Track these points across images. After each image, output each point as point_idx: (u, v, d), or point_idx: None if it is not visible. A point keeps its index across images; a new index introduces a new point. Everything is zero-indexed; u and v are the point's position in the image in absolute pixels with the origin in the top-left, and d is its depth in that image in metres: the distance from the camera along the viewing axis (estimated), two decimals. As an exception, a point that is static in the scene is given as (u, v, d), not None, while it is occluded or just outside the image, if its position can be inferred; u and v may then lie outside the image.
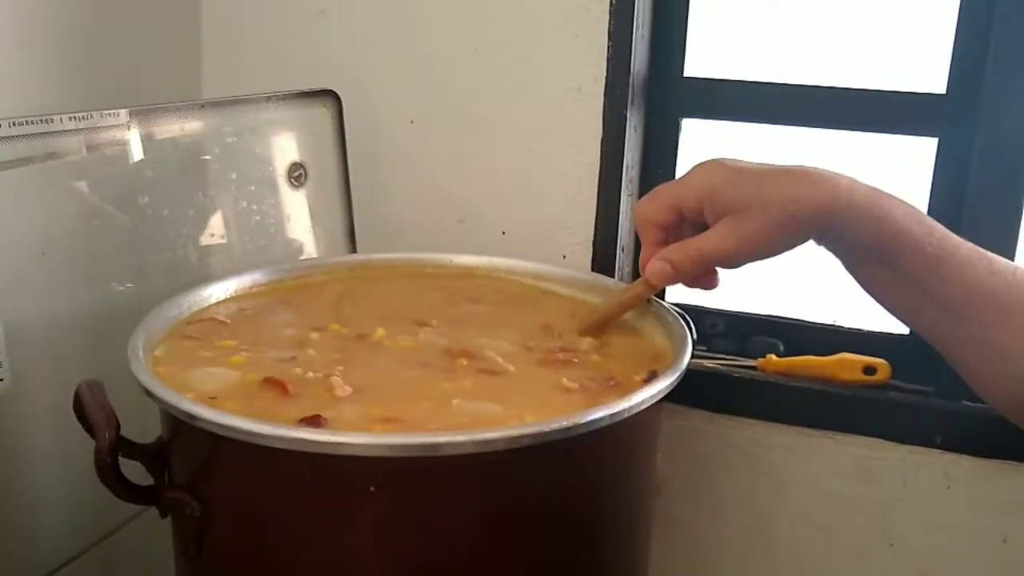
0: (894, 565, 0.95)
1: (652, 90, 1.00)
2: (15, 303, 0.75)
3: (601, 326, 0.79)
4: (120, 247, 0.82)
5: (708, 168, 0.68)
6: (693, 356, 0.97)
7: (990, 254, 0.65)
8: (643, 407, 0.62)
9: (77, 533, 0.87)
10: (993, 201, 0.90)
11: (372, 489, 0.57)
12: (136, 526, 0.90)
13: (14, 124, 0.70)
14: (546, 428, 0.57)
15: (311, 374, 0.68)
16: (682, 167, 1.04)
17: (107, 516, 0.88)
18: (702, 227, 0.69)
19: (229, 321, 0.78)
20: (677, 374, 0.67)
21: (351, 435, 0.56)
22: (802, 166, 0.66)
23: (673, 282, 0.72)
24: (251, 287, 0.84)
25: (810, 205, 0.64)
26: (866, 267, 0.67)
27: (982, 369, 0.67)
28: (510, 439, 0.57)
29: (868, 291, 0.69)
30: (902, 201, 0.65)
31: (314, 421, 0.60)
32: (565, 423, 0.58)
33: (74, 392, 0.65)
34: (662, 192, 0.70)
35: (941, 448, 0.91)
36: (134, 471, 0.65)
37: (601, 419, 0.59)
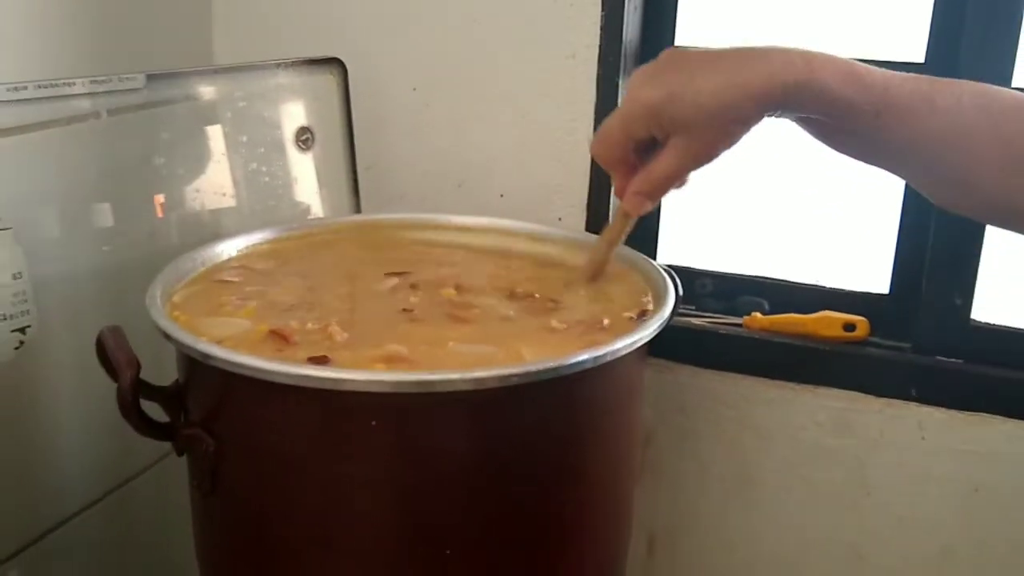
0: (871, 512, 1.00)
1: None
2: (40, 257, 0.79)
3: (597, 271, 0.82)
4: (137, 205, 0.87)
5: (643, 88, 0.67)
6: (682, 314, 1.03)
7: (938, 88, 0.62)
8: (630, 349, 0.67)
9: (98, 478, 0.91)
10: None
11: (373, 423, 0.62)
12: (154, 473, 0.95)
13: (39, 87, 0.74)
14: (534, 368, 0.62)
15: (311, 325, 0.72)
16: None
17: (126, 462, 0.93)
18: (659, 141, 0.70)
19: (240, 278, 0.82)
20: (663, 317, 0.71)
21: (353, 372, 0.61)
22: (735, 50, 0.65)
23: (651, 208, 0.73)
24: (260, 244, 0.89)
25: (748, 100, 0.63)
26: (821, 131, 0.67)
27: (966, 203, 0.67)
28: (500, 377, 0.61)
29: (838, 151, 0.69)
30: (837, 62, 0.63)
31: (320, 360, 0.64)
32: (552, 363, 0.62)
33: (96, 337, 0.69)
34: (609, 130, 0.70)
35: (916, 401, 0.96)
36: (152, 413, 0.70)
37: (586, 360, 0.63)
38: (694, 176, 0.72)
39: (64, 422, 0.86)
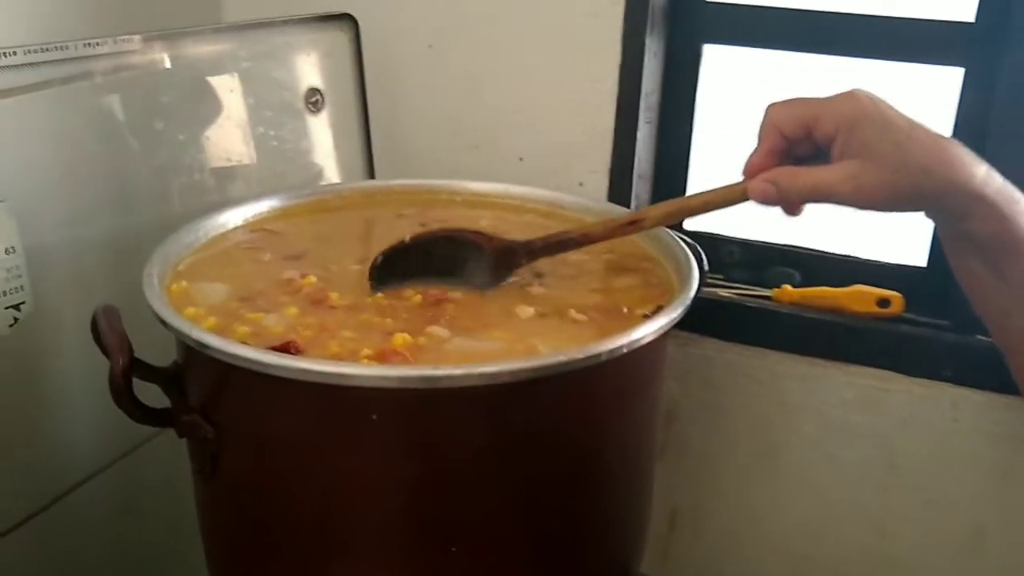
0: (897, 492, 0.97)
1: (673, 15, 0.98)
2: (38, 226, 0.76)
3: (669, 220, 0.74)
4: (137, 172, 0.84)
5: (858, 99, 0.64)
6: (708, 284, 0.99)
7: None
8: (643, 342, 0.63)
9: (106, 445, 0.90)
10: (1018, 134, 0.88)
11: (374, 417, 0.59)
12: (162, 440, 0.92)
13: (29, 52, 0.71)
14: (544, 362, 0.59)
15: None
16: (703, 94, 1.02)
17: (135, 429, 0.89)
18: (820, 154, 0.66)
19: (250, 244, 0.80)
20: (679, 310, 0.67)
21: (354, 366, 0.58)
22: (949, 138, 0.63)
23: (772, 204, 0.67)
24: (268, 212, 0.85)
25: (942, 184, 0.61)
26: (967, 257, 0.65)
27: None
28: (509, 372, 0.58)
29: (957, 275, 0.68)
30: (1008, 190, 0.62)
31: (284, 348, 0.62)
32: (563, 357, 0.59)
33: (91, 317, 0.67)
34: (801, 104, 0.66)
35: (951, 382, 0.92)
36: (154, 392, 0.68)
37: (599, 354, 0.60)
38: (815, 210, 0.68)
39: (71, 392, 0.84)
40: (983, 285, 0.66)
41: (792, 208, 0.68)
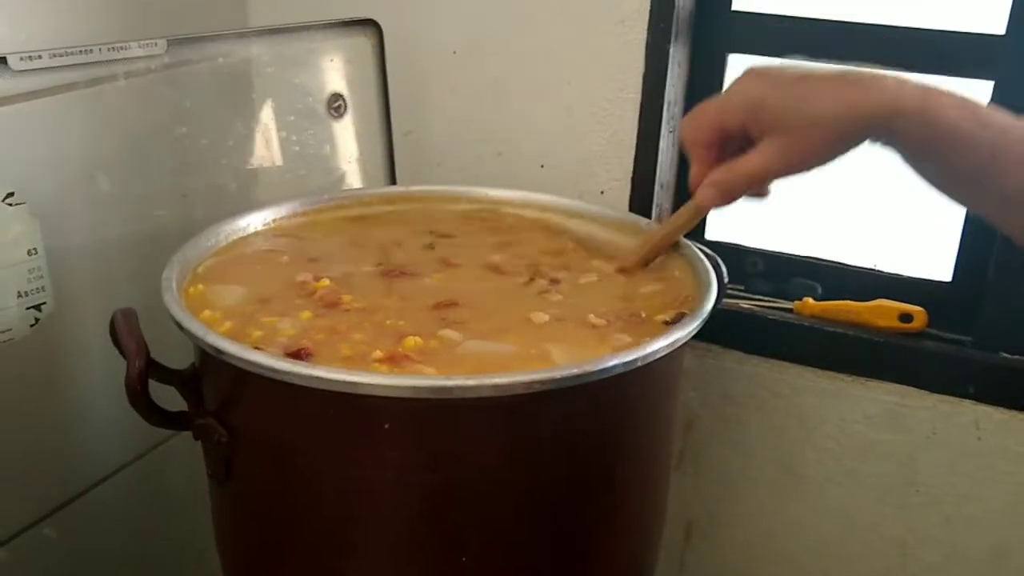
0: (918, 509, 0.96)
1: (698, 24, 0.98)
2: (60, 229, 0.77)
3: (651, 257, 0.78)
4: (159, 175, 0.84)
5: (750, 80, 0.66)
6: (730, 296, 0.98)
7: None
8: (659, 355, 0.63)
9: (128, 442, 0.91)
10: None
11: (386, 426, 0.59)
12: (180, 442, 0.93)
13: (55, 55, 0.71)
14: (559, 374, 0.58)
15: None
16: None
17: (152, 431, 0.91)
18: (749, 141, 0.67)
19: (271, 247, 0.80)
20: (697, 322, 0.66)
21: (366, 375, 0.58)
22: (846, 72, 0.64)
23: (724, 205, 0.70)
24: (288, 216, 0.86)
25: (857, 118, 0.62)
26: (921, 164, 0.64)
27: None
28: (524, 384, 0.57)
29: (927, 183, 0.66)
30: (954, 96, 0.61)
31: (295, 353, 0.62)
32: (576, 370, 0.58)
33: (110, 320, 0.67)
34: (704, 111, 0.68)
35: (974, 399, 0.90)
36: (174, 394, 0.68)
37: (614, 366, 0.60)
38: (775, 187, 0.70)
39: (91, 393, 0.85)
40: (946, 182, 0.65)
41: (757, 194, 0.70)
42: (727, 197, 0.69)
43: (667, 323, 0.68)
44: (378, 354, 0.63)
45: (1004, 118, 0.61)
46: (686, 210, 0.74)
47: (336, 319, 0.68)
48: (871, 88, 0.62)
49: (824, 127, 0.62)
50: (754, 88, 0.66)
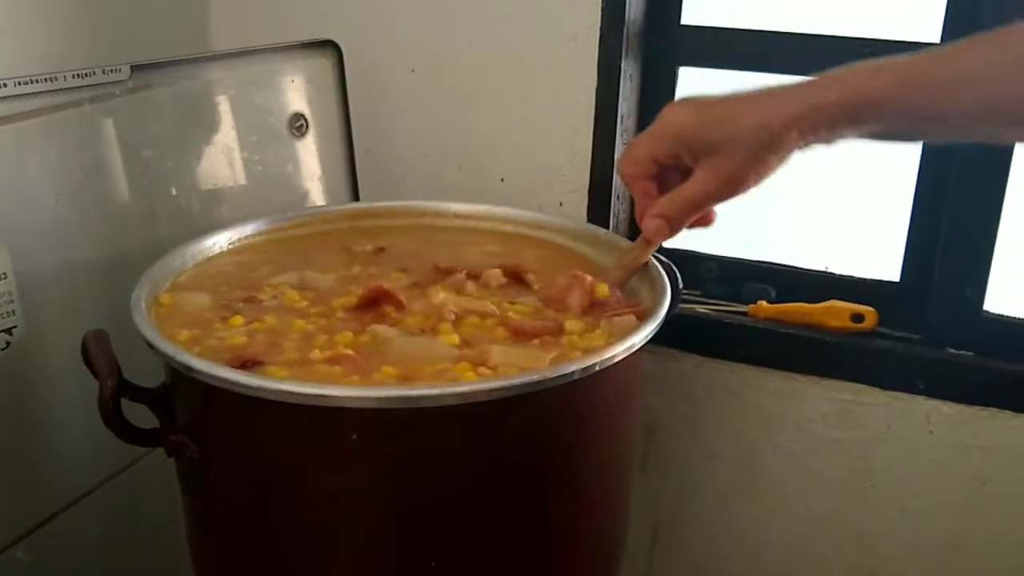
0: (875, 503, 0.99)
1: (649, 39, 1.00)
2: (29, 252, 0.78)
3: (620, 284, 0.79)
4: (126, 198, 0.85)
5: (675, 112, 0.68)
6: (686, 301, 1.01)
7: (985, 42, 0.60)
8: (616, 359, 0.65)
9: (100, 464, 0.91)
10: (981, 165, 0.90)
11: (354, 437, 0.61)
12: (155, 457, 0.93)
13: (20, 83, 0.73)
14: (517, 381, 0.60)
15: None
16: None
17: (125, 450, 0.92)
18: (689, 170, 0.69)
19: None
20: (652, 327, 0.68)
21: (334, 387, 0.60)
22: (764, 88, 0.65)
23: (672, 235, 0.72)
24: (253, 235, 0.87)
25: (775, 126, 0.63)
26: (869, 137, 0.65)
27: None
28: (487, 391, 0.60)
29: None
30: (875, 67, 0.61)
31: (246, 364, 0.64)
32: (536, 376, 0.61)
33: (81, 341, 0.68)
34: (636, 147, 0.70)
35: (924, 394, 0.94)
36: (143, 412, 0.69)
37: (572, 372, 0.62)
38: (720, 211, 0.71)
39: (64, 413, 0.86)
40: (899, 138, 0.66)
41: (700, 223, 0.72)
42: (672, 227, 0.71)
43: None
44: (317, 354, 0.66)
45: (929, 57, 0.61)
46: (636, 246, 0.76)
47: (287, 320, 0.71)
48: (786, 96, 0.63)
49: (747, 142, 0.64)
50: (677, 117, 0.67)
